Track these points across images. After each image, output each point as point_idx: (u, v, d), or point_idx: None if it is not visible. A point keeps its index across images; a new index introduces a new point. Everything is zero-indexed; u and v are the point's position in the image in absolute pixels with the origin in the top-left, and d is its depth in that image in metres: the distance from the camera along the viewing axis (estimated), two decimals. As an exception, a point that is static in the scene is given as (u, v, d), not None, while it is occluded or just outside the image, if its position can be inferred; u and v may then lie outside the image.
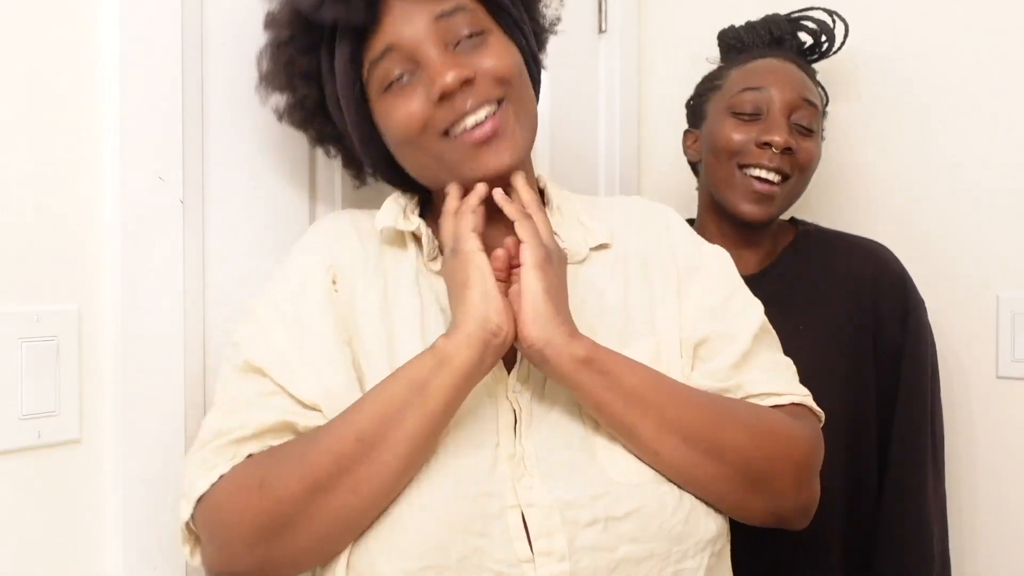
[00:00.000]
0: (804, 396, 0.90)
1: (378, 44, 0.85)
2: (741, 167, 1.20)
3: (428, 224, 0.92)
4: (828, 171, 1.42)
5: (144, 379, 0.90)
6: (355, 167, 1.02)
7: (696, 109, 1.32)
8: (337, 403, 0.79)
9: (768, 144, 1.18)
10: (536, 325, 0.78)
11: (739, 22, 1.31)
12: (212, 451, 0.79)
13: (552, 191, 0.96)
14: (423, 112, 0.84)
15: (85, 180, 0.87)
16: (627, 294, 0.90)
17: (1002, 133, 1.33)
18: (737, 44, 1.31)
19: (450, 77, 0.81)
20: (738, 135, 1.21)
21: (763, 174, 1.19)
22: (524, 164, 0.90)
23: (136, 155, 0.89)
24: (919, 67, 1.39)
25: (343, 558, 0.76)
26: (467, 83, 0.83)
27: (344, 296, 0.86)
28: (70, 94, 0.86)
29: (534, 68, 0.94)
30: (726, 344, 0.89)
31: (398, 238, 0.91)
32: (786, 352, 1.04)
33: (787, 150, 1.18)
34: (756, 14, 1.31)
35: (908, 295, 1.20)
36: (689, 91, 1.33)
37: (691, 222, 1.30)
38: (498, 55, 0.86)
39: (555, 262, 0.82)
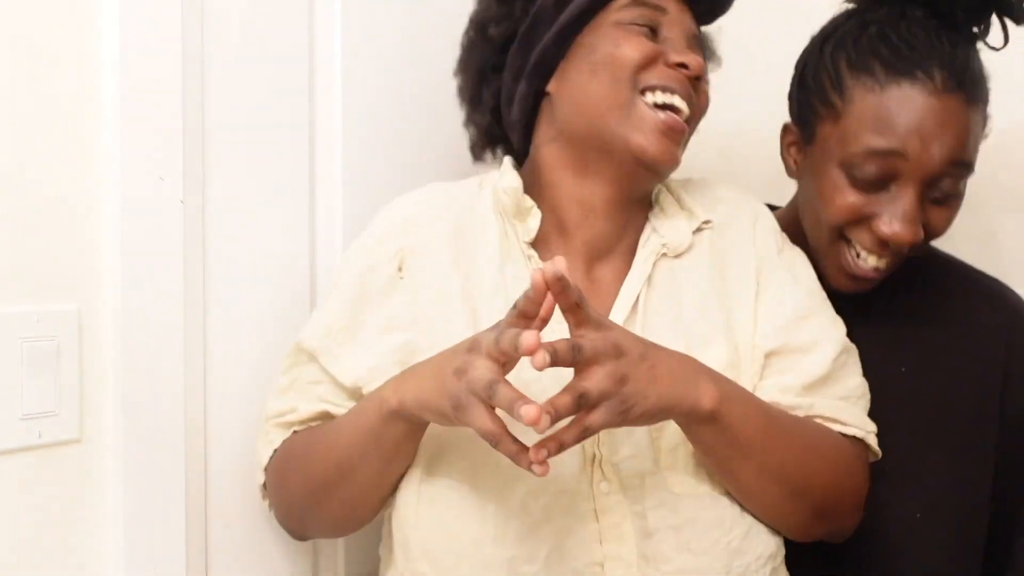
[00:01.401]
0: (868, 433, 0.87)
1: None
2: (847, 239, 0.92)
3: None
4: None
5: (144, 379, 0.90)
6: (484, 132, 0.99)
7: (803, 118, 0.97)
8: (372, 385, 0.83)
9: (887, 241, 0.89)
10: (663, 415, 0.75)
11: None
12: (272, 427, 0.90)
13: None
14: (652, 55, 0.85)
15: (85, 180, 0.87)
16: (708, 291, 0.88)
17: (1003, 131, 1.33)
18: (891, 54, 0.89)
19: (694, 60, 0.86)
20: (848, 206, 0.90)
21: (871, 262, 0.92)
22: (649, 193, 0.93)
23: (136, 155, 0.89)
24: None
25: (418, 545, 0.81)
26: (695, 76, 0.87)
27: (411, 281, 0.87)
28: (70, 94, 0.86)
29: None
30: (800, 360, 0.86)
31: (482, 218, 0.89)
32: (879, 398, 0.91)
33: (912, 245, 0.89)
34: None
35: None
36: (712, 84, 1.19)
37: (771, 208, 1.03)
38: (708, 91, 0.91)
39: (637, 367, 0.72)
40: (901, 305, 0.99)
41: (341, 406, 0.87)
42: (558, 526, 0.78)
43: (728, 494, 0.81)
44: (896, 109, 0.87)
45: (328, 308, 0.90)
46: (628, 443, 0.81)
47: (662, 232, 0.90)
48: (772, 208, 1.04)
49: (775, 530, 0.84)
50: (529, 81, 0.90)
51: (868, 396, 0.89)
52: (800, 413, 0.85)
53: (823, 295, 0.92)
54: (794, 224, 1.00)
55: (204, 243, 0.97)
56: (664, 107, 0.85)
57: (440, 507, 0.81)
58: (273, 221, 1.04)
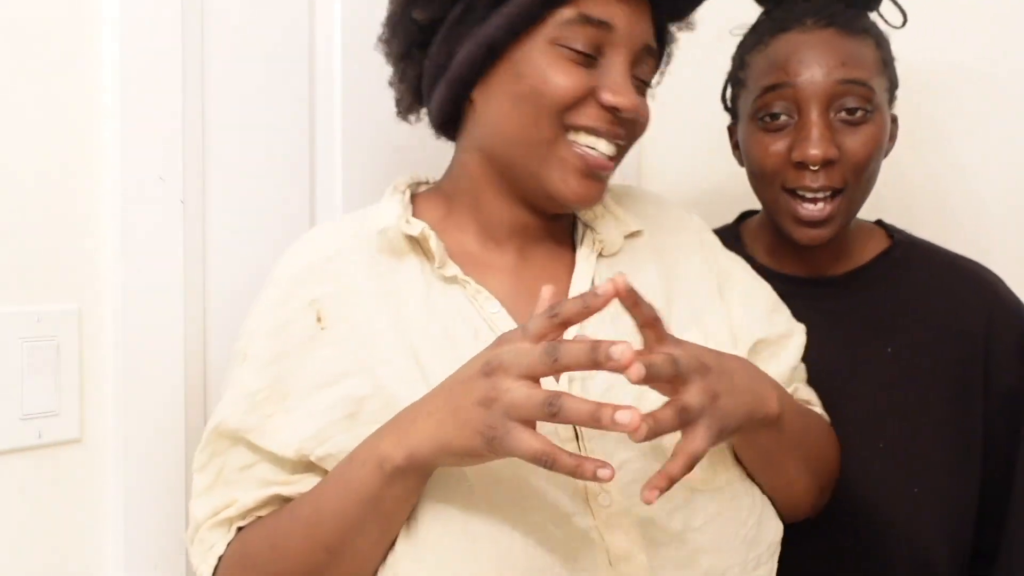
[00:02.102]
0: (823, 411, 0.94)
1: (599, 9, 0.77)
2: (785, 189, 0.99)
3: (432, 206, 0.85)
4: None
5: (144, 379, 0.90)
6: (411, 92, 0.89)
7: (731, 105, 1.10)
8: (322, 448, 0.75)
9: (803, 163, 0.96)
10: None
11: (743, 23, 1.21)
12: (208, 530, 0.78)
13: None
14: (581, 92, 0.76)
15: (85, 180, 0.87)
16: (669, 284, 0.85)
17: (1000, 130, 1.33)
18: None
19: (632, 104, 0.77)
20: (768, 153, 0.99)
21: (808, 197, 0.98)
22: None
23: (136, 155, 0.89)
24: (922, 64, 1.39)
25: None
26: (626, 119, 0.78)
27: (335, 330, 0.77)
28: (70, 94, 0.86)
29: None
30: (779, 351, 0.88)
31: (393, 247, 0.80)
32: (871, 379, 1.01)
33: (828, 162, 0.96)
34: (760, 12, 1.28)
35: None
36: (690, 90, 1.27)
37: (747, 215, 1.18)
38: (647, 113, 0.83)
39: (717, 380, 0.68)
40: (886, 290, 1.04)
41: (289, 483, 0.76)
42: (562, 555, 0.70)
43: (740, 481, 0.78)
44: (777, 52, 0.99)
45: (241, 381, 0.78)
46: (623, 445, 0.74)
47: (597, 229, 0.86)
48: (751, 213, 1.16)
49: (779, 514, 0.83)
50: (450, 87, 0.82)
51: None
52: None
53: (771, 288, 0.95)
54: (771, 225, 1.08)
55: (204, 243, 0.97)
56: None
57: (433, 560, 0.71)
58: (273, 221, 1.04)
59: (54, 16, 0.85)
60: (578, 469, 0.60)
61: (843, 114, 0.97)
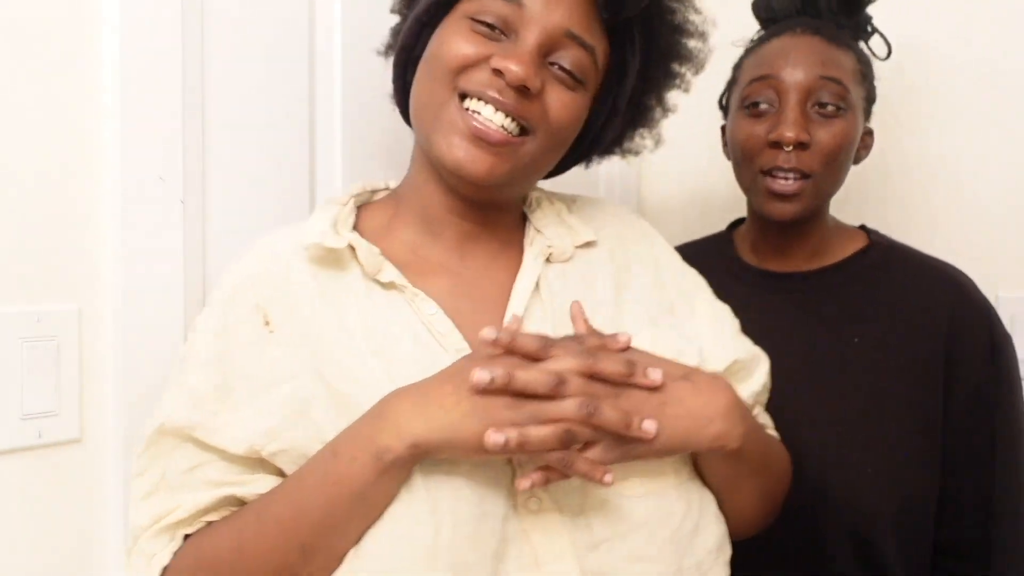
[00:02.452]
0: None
1: None
2: (762, 171, 1.10)
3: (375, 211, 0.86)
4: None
5: (144, 379, 0.90)
6: None
7: (724, 104, 1.23)
8: (274, 444, 0.73)
9: (778, 143, 1.07)
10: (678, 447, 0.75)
11: (741, 22, 1.26)
12: (149, 539, 0.75)
13: (531, 189, 0.92)
14: (473, 59, 0.76)
15: (85, 180, 0.87)
16: (620, 290, 0.86)
17: (1004, 130, 1.33)
18: (768, 14, 1.19)
19: (520, 69, 0.74)
20: (749, 135, 1.10)
21: (780, 179, 1.08)
22: (507, 200, 0.86)
23: (136, 155, 0.89)
24: (922, 64, 1.39)
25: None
26: (523, 90, 0.76)
27: (283, 333, 0.76)
28: (70, 94, 0.86)
29: (585, 147, 0.89)
30: (751, 372, 0.90)
31: (333, 257, 0.79)
32: (836, 365, 1.09)
33: (800, 145, 1.06)
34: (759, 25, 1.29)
35: (994, 329, 1.07)
36: (690, 99, 1.29)
37: (739, 222, 1.27)
38: (568, 106, 0.79)
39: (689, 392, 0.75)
40: (857, 286, 1.13)
41: (244, 483, 0.74)
42: (490, 553, 0.70)
43: (675, 487, 0.77)
44: (770, 50, 1.12)
45: (184, 380, 0.77)
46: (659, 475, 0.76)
47: (547, 235, 0.86)
48: (741, 221, 1.26)
49: (720, 519, 0.82)
50: (394, 68, 0.86)
51: None
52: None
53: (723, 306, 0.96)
54: (751, 220, 1.20)
55: (204, 243, 0.97)
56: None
57: (365, 546, 0.70)
58: (273, 221, 1.04)
59: (54, 16, 0.85)
60: (591, 472, 0.68)
61: (818, 107, 1.08)
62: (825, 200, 1.14)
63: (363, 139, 1.12)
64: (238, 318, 0.78)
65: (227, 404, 0.75)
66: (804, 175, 1.08)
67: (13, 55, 0.82)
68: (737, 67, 1.19)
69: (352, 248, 0.79)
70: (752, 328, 0.94)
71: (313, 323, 0.77)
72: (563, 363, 0.69)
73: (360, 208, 0.88)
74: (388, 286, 0.79)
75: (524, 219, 0.90)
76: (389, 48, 0.91)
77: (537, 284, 0.83)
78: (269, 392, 0.75)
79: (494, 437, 0.65)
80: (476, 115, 0.76)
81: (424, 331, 0.77)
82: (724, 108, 1.23)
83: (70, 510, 0.87)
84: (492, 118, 0.76)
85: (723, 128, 1.22)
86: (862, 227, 1.21)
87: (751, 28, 1.22)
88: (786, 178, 1.08)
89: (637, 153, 0.96)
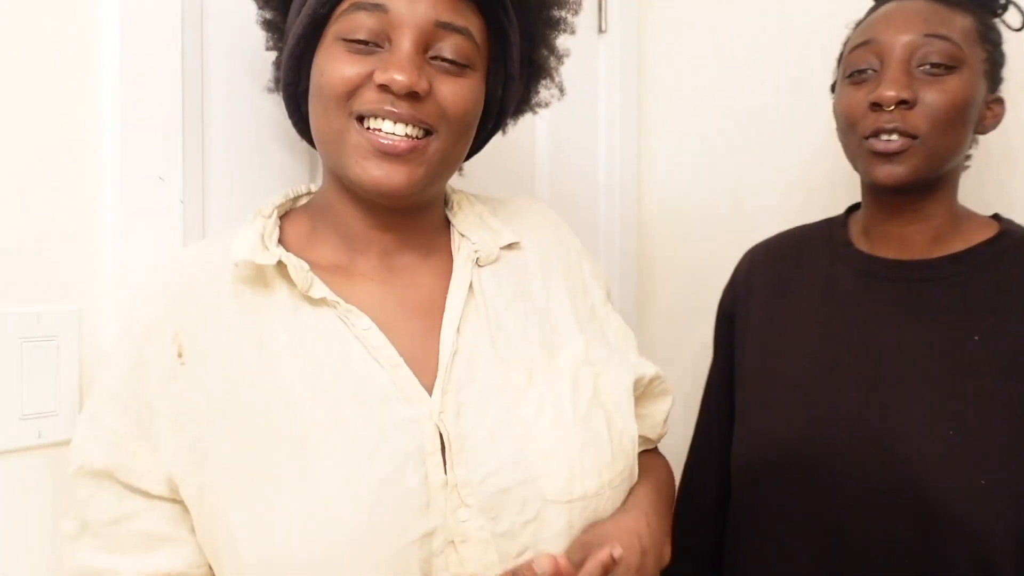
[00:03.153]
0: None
1: None
2: (865, 138, 1.02)
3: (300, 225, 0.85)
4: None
5: (144, 379, 0.90)
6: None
7: (834, 87, 1.14)
8: (186, 488, 0.72)
9: (878, 104, 0.99)
10: None
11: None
12: None
13: (450, 191, 0.92)
14: (357, 80, 0.76)
15: (85, 180, 0.87)
16: (549, 295, 0.87)
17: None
18: None
19: (403, 78, 0.73)
20: (852, 102, 1.03)
21: (882, 138, 1.00)
22: (428, 203, 0.85)
23: (136, 155, 0.89)
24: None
25: None
26: (413, 95, 0.75)
27: (195, 366, 0.74)
28: (70, 94, 0.86)
29: (491, 120, 0.88)
30: (653, 401, 0.96)
31: (259, 273, 0.78)
32: (952, 364, 0.97)
33: (903, 103, 0.98)
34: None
35: None
36: (690, 91, 1.28)
37: (855, 207, 1.18)
38: (461, 94, 0.78)
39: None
40: (980, 277, 1.02)
41: (172, 541, 0.73)
42: (423, 569, 0.71)
43: (595, 496, 0.79)
44: (875, 17, 1.05)
45: (102, 420, 0.75)
46: (493, 456, 0.75)
47: (473, 239, 0.86)
48: (858, 206, 1.15)
49: None
50: (286, 100, 0.87)
51: None
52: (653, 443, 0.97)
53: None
54: (865, 196, 1.11)
55: (204, 243, 0.97)
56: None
57: (292, 545, 0.69)
58: (273, 221, 1.04)
59: (54, 17, 0.85)
60: None
61: (926, 66, 1.00)
62: (938, 167, 1.02)
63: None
64: (153, 351, 0.76)
65: (145, 445, 0.74)
66: (911, 137, 0.99)
67: (13, 55, 0.82)
68: (845, 43, 1.12)
69: (282, 264, 0.77)
70: (854, 321, 0.89)
71: (232, 350, 0.75)
72: None
73: (282, 218, 0.85)
74: (318, 302, 0.77)
75: (447, 222, 0.90)
76: (276, 83, 0.90)
77: (471, 287, 0.83)
78: (179, 435, 0.73)
79: None
80: (378, 132, 0.75)
81: (359, 347, 0.76)
82: (834, 90, 1.14)
83: (70, 510, 0.87)
84: (394, 131, 0.75)
85: (834, 108, 1.13)
86: (995, 216, 1.10)
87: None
88: (889, 138, 1.00)
89: (547, 105, 0.95)
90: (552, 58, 0.91)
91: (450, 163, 0.81)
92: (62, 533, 0.75)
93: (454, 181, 0.92)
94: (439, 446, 0.74)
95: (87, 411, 0.77)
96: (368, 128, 0.76)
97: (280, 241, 0.81)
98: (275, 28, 0.89)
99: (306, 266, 0.78)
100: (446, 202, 0.91)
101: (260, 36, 0.96)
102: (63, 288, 0.86)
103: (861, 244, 1.10)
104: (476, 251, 0.85)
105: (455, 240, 0.87)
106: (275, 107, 1.04)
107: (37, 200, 0.84)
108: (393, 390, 0.75)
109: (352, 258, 0.82)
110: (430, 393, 0.76)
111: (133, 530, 0.73)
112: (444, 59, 0.78)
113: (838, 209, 1.21)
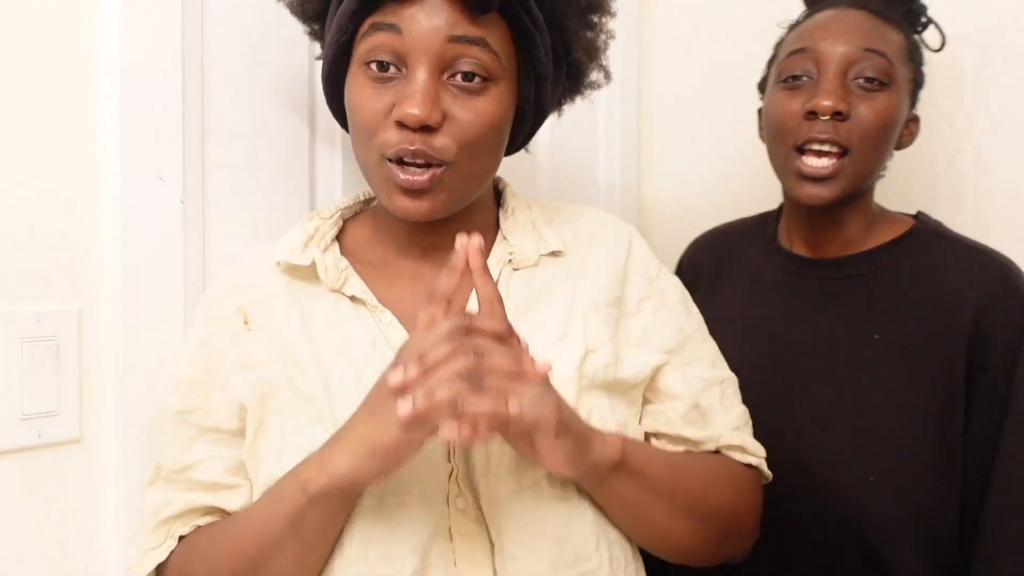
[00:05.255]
0: (761, 459, 0.90)
1: (389, 15, 0.77)
2: (796, 149, 1.03)
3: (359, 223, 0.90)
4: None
5: (144, 379, 0.90)
6: None
7: (762, 85, 1.16)
8: (247, 420, 0.81)
9: (814, 113, 1.00)
10: (567, 467, 0.73)
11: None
12: (145, 532, 0.82)
13: (509, 196, 0.93)
14: (378, 118, 0.78)
15: (85, 180, 0.87)
16: (576, 298, 0.86)
17: (1004, 132, 1.33)
18: None
19: (417, 111, 0.75)
20: (785, 110, 1.04)
21: (815, 150, 1.01)
22: (468, 207, 0.86)
23: (136, 155, 0.89)
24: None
25: None
26: (427, 128, 0.76)
27: (259, 332, 0.83)
28: (70, 94, 0.86)
29: (530, 119, 0.87)
30: (680, 388, 0.87)
31: (304, 271, 0.85)
32: (852, 364, 1.02)
33: (837, 115, 1.00)
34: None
35: None
36: (690, 91, 1.28)
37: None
38: (478, 116, 0.78)
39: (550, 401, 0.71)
40: (886, 275, 1.05)
41: (230, 489, 0.81)
42: (422, 544, 0.75)
43: (549, 486, 0.78)
44: (812, 23, 1.07)
45: (179, 372, 0.84)
46: (497, 454, 0.77)
47: (511, 242, 0.87)
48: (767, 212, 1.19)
49: (668, 556, 0.85)
50: (333, 112, 0.89)
51: (751, 422, 0.91)
52: (709, 446, 0.87)
53: (695, 323, 0.92)
54: (786, 205, 1.13)
55: (204, 243, 0.97)
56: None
57: None
58: (273, 220, 1.04)
59: (54, 16, 0.85)
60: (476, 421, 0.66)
61: (861, 81, 1.01)
62: (861, 183, 1.05)
63: (363, 139, 1.12)
64: (222, 319, 0.84)
65: (215, 386, 0.82)
66: (841, 149, 1.01)
67: (13, 55, 0.82)
68: (778, 45, 1.13)
69: (306, 272, 0.85)
70: (772, 316, 0.91)
71: (283, 328, 0.83)
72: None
73: (348, 220, 0.92)
74: (352, 299, 0.84)
75: (497, 225, 0.91)
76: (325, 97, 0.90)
77: (498, 284, 0.84)
78: (245, 372, 0.82)
79: (402, 407, 0.65)
80: (399, 168, 0.78)
81: (381, 338, 0.82)
82: (761, 90, 1.17)
83: (70, 510, 0.87)
84: (413, 168, 0.78)
85: (759, 111, 1.15)
86: (917, 214, 1.12)
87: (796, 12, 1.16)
88: (820, 154, 1.01)
89: (599, 86, 0.94)
90: (593, 46, 0.89)
91: (478, 179, 0.83)
92: (144, 480, 0.84)
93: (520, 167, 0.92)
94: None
95: (168, 378, 0.86)
96: (391, 161, 0.78)
97: (340, 239, 0.89)
98: (321, 39, 0.91)
99: (343, 265, 0.85)
100: (502, 204, 0.92)
101: (260, 36, 0.97)
102: (63, 288, 0.86)
103: (784, 241, 1.14)
104: (511, 254, 0.87)
105: (497, 241, 0.89)
106: (275, 107, 1.04)
107: (37, 200, 0.84)
108: None
109: (398, 257, 0.88)
110: None
111: (196, 478, 0.81)
112: (462, 76, 0.78)
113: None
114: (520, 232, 0.89)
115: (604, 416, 0.81)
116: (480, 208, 0.89)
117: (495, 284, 0.73)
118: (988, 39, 1.27)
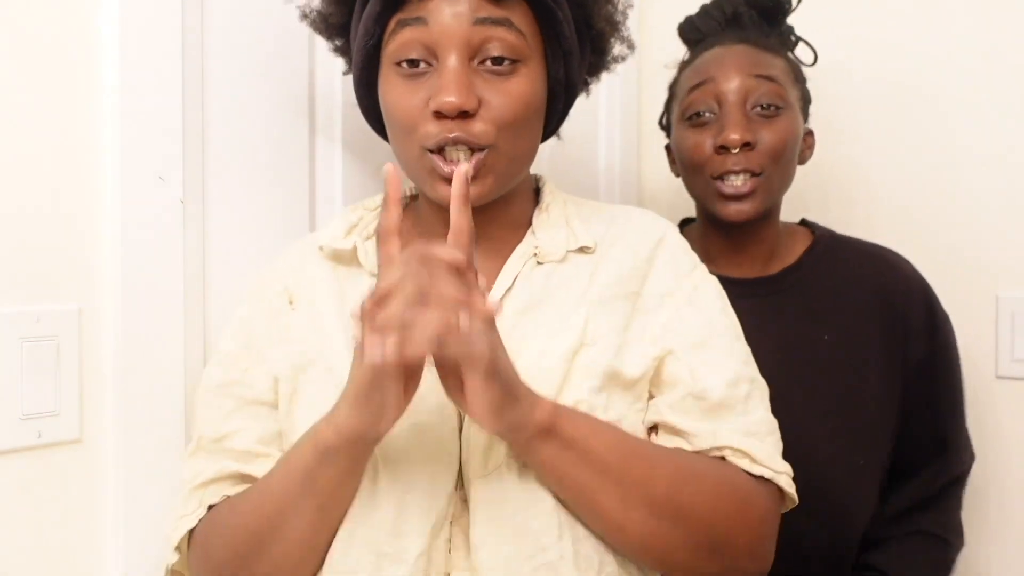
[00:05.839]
0: (778, 474, 0.82)
1: (413, 10, 0.79)
2: (714, 179, 1.13)
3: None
4: (826, 169, 1.42)
5: (144, 379, 0.90)
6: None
7: (665, 123, 1.26)
8: (285, 386, 0.84)
9: (724, 147, 1.10)
10: (489, 417, 0.69)
11: (667, 53, 1.28)
12: (183, 499, 0.84)
13: (547, 192, 0.93)
14: (415, 113, 0.79)
15: (85, 180, 0.87)
16: (586, 292, 0.85)
17: (1001, 131, 1.34)
18: (695, 35, 1.23)
19: (453, 99, 0.76)
20: (695, 146, 1.13)
21: (732, 180, 1.11)
22: (504, 196, 0.87)
23: (136, 155, 0.89)
24: (918, 63, 1.39)
25: None
26: (464, 115, 0.77)
27: (301, 312, 0.87)
28: (70, 94, 0.86)
29: (562, 98, 0.88)
30: (692, 384, 0.83)
31: (346, 255, 0.88)
32: (811, 363, 1.12)
33: (746, 145, 1.10)
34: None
35: (935, 309, 1.17)
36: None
37: (686, 222, 1.29)
38: (512, 98, 0.79)
39: (483, 333, 0.67)
40: (815, 282, 1.17)
41: (264, 457, 0.83)
42: (429, 527, 0.75)
43: (508, 470, 0.76)
44: (704, 60, 1.17)
45: (221, 347, 0.88)
46: (475, 437, 0.77)
47: (539, 236, 0.87)
48: (690, 221, 1.28)
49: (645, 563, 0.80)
50: (366, 119, 0.91)
51: (778, 433, 0.85)
52: (702, 442, 0.81)
53: (728, 322, 0.89)
54: (706, 227, 1.21)
55: (204, 243, 0.97)
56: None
57: None
58: (273, 221, 1.04)
59: (54, 16, 0.85)
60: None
61: (758, 109, 1.12)
62: (777, 199, 1.17)
63: (363, 139, 1.12)
64: (267, 296, 0.89)
65: (255, 360, 0.86)
66: (754, 174, 1.11)
67: (13, 55, 0.82)
68: (674, 84, 1.22)
69: (348, 257, 0.88)
70: None
71: (323, 307, 0.86)
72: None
73: None
74: None
75: (530, 219, 0.91)
76: (358, 102, 0.91)
77: (515, 280, 0.85)
78: (282, 346, 0.85)
79: (356, 338, 0.65)
80: (444, 159, 0.79)
81: None
82: (665, 128, 1.26)
83: (70, 510, 0.87)
84: (456, 158, 0.79)
85: (667, 147, 1.25)
86: (803, 221, 1.26)
87: (676, 54, 1.27)
88: (737, 179, 1.11)
89: (623, 59, 0.95)
90: (613, 16, 0.90)
91: (521, 161, 0.85)
92: (183, 453, 0.88)
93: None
94: (457, 423, 0.78)
95: (213, 356, 0.90)
96: (433, 152, 0.80)
97: None
98: (346, 54, 0.93)
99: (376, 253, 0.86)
100: (540, 200, 0.92)
101: (260, 36, 0.97)
102: (63, 288, 0.86)
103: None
104: (536, 247, 0.87)
105: (527, 237, 0.89)
106: (276, 107, 1.04)
107: (37, 200, 0.84)
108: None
109: (432, 238, 0.87)
110: None
111: (230, 447, 0.84)
112: (492, 60, 0.79)
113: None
114: (551, 227, 0.89)
115: (594, 408, 0.78)
116: (518, 202, 0.90)
117: (469, 217, 0.71)
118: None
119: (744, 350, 0.88)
